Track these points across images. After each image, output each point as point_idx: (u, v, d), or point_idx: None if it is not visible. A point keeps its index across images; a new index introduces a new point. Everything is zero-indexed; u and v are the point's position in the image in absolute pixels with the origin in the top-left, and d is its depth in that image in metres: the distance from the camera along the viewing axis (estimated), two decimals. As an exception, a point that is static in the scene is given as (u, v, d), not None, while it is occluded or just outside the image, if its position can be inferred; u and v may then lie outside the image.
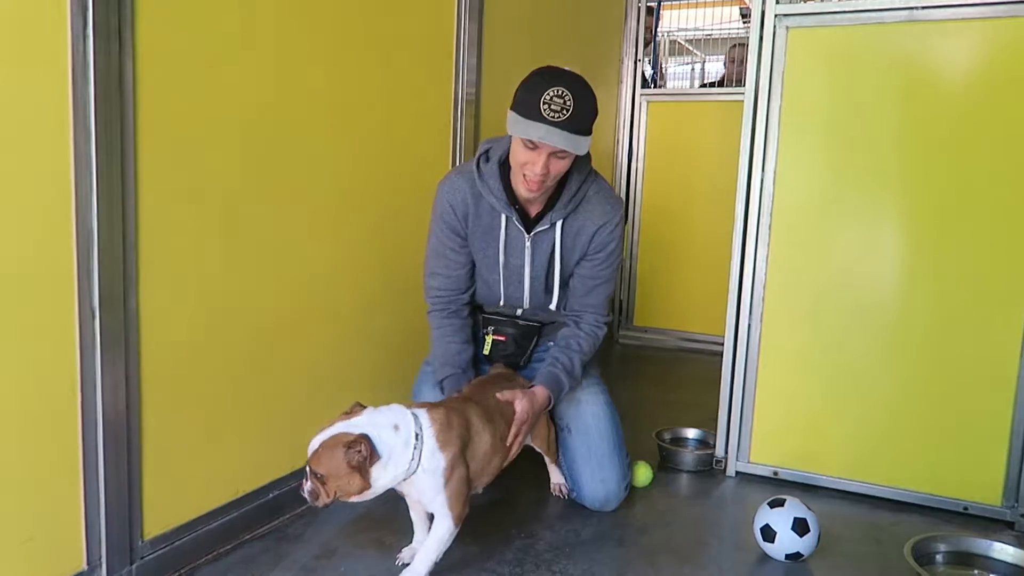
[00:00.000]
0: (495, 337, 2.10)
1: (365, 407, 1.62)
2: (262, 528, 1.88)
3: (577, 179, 1.90)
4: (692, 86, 5.00)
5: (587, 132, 1.74)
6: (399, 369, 2.29)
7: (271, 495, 1.91)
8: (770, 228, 2.26)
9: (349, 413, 1.60)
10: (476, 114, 2.60)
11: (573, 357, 1.98)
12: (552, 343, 2.10)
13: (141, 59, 1.47)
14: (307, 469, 1.55)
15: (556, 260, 1.95)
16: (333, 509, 2.02)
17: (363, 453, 1.52)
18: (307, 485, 1.56)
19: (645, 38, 4.32)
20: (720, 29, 4.89)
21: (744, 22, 4.95)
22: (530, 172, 1.76)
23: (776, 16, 2.19)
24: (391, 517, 1.98)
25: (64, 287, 1.39)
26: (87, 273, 1.41)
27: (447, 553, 1.78)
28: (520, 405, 1.83)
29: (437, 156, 2.45)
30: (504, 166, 1.90)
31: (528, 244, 1.93)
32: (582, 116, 1.71)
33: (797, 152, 2.22)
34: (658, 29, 4.26)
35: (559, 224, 1.91)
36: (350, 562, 1.75)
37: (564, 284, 2.01)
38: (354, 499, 1.58)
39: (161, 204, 1.55)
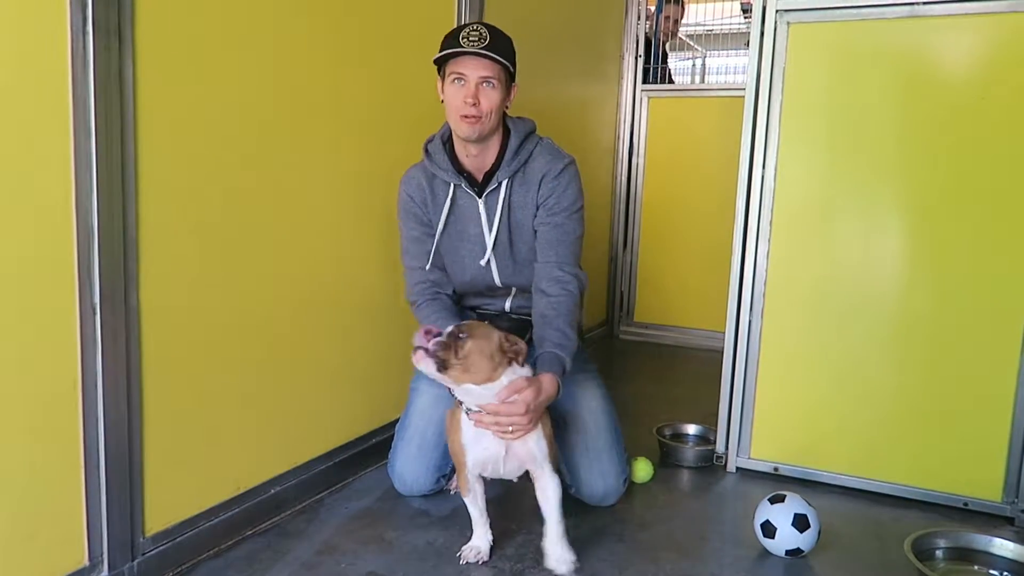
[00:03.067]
0: None
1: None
2: (263, 524, 1.88)
3: (517, 136, 1.95)
4: (693, 82, 4.99)
5: (507, 59, 1.83)
6: (399, 364, 2.29)
7: (272, 491, 1.91)
8: (771, 224, 2.26)
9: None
10: (476, 110, 2.59)
11: (560, 326, 1.84)
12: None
13: (141, 56, 1.47)
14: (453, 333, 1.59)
15: (507, 216, 1.97)
16: (333, 506, 2.02)
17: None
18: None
19: (673, 30, 4.30)
20: (721, 24, 4.88)
21: (745, 17, 4.93)
22: (463, 108, 1.83)
23: (777, 12, 2.19)
24: (391, 514, 1.99)
25: (65, 284, 1.39)
26: (88, 270, 1.41)
27: (446, 549, 1.79)
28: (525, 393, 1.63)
29: (437, 152, 2.44)
30: (448, 143, 1.98)
31: (481, 207, 1.96)
32: (500, 45, 1.82)
33: (798, 148, 2.22)
34: (659, 22, 4.24)
35: (505, 182, 1.95)
36: (351, 558, 1.75)
37: (532, 250, 1.99)
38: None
39: (161, 201, 1.55)
